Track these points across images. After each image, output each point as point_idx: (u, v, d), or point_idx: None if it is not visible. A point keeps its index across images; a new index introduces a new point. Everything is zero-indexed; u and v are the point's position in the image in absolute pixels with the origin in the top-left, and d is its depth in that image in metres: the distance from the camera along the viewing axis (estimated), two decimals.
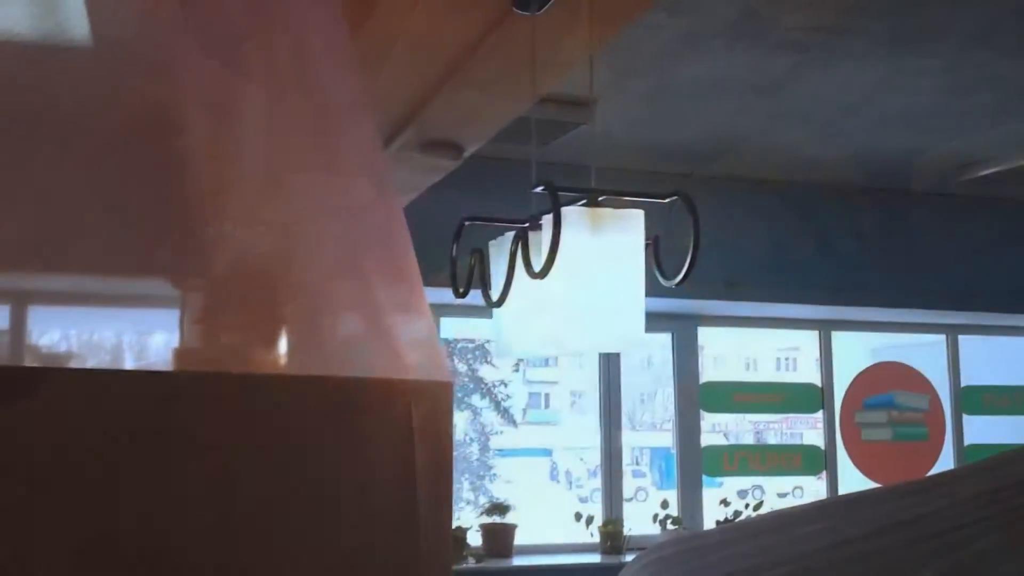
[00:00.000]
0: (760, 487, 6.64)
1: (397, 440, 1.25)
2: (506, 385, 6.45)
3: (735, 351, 6.32)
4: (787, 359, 6.94)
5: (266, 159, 1.21)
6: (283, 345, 1.27)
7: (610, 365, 5.68)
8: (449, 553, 1.54)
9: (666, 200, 1.62)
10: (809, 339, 6.32)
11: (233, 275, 1.05)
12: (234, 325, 1.00)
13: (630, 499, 5.82)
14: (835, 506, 4.39)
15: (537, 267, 1.51)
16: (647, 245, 1.62)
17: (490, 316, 1.77)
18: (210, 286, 0.74)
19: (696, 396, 5.85)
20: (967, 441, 6.41)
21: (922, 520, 3.59)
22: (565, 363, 7.26)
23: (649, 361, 6.57)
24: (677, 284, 1.62)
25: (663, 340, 5.94)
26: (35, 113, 0.68)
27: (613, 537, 5.28)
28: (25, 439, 0.60)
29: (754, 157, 5.05)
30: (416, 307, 1.29)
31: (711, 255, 5.22)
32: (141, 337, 0.76)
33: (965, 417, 6.43)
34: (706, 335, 6.02)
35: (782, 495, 6.93)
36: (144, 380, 0.72)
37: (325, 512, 0.80)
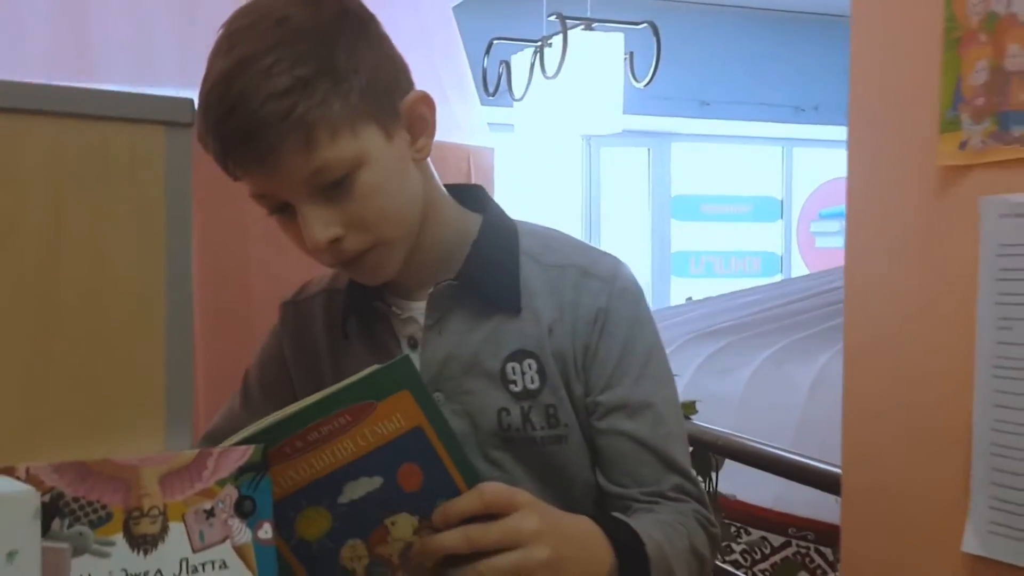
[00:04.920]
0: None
1: (461, 180, 1.98)
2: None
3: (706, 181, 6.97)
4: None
5: None
6: None
7: (591, 187, 6.38)
8: None
9: (640, 25, 2.30)
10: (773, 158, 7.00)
11: None
12: None
13: None
14: (771, 285, 5.28)
15: (550, 72, 2.20)
16: (625, 59, 2.31)
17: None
18: None
19: (668, 206, 6.59)
20: None
21: (840, 289, 4.46)
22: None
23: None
24: (645, 85, 2.32)
25: (639, 157, 6.62)
26: None
27: None
28: None
29: None
30: (468, 89, 2.00)
31: (686, 76, 5.84)
32: None
33: None
34: (679, 162, 6.68)
35: None
36: None
37: None
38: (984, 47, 0.88)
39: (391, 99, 0.88)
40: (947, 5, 0.91)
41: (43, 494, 0.56)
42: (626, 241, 6.55)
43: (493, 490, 0.73)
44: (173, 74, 1.90)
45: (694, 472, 0.95)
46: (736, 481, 2.30)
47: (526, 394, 0.91)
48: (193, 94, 2.03)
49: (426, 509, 0.72)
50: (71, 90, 0.63)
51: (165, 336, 0.62)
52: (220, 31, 0.85)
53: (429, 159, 0.94)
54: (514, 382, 0.91)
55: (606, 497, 0.93)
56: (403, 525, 0.72)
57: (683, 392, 2.57)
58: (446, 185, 0.98)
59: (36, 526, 0.54)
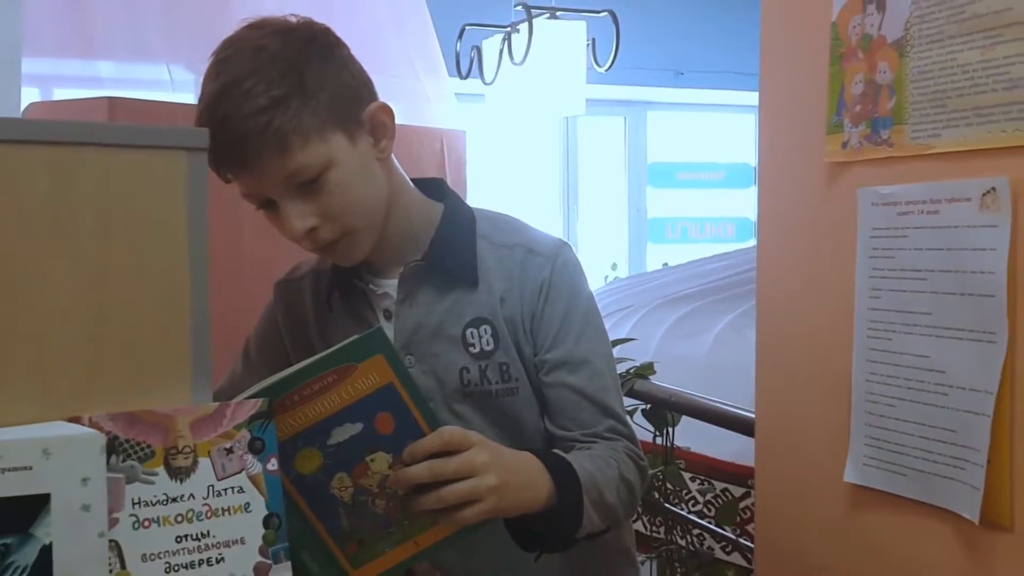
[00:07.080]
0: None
1: (435, 161, 2.14)
2: None
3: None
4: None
5: None
6: None
7: (569, 156, 6.53)
8: None
9: (601, 13, 2.46)
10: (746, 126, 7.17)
11: None
12: None
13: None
14: (738, 251, 5.42)
15: (517, 59, 2.36)
16: (587, 45, 2.48)
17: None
18: None
19: (644, 173, 6.76)
20: None
21: None
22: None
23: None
24: (605, 70, 2.49)
25: (616, 126, 6.77)
26: None
27: None
28: None
29: None
30: (440, 74, 2.17)
31: (661, 47, 5.98)
32: None
33: None
34: (655, 130, 6.83)
35: None
36: None
37: None
38: (861, 63, 1.05)
39: (354, 110, 1.05)
40: (834, 26, 1.08)
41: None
42: (603, 208, 6.72)
43: (451, 431, 0.92)
44: (161, 51, 2.07)
45: (626, 416, 1.14)
46: (702, 438, 2.49)
47: (483, 355, 1.09)
48: (178, 70, 2.21)
49: (398, 448, 0.91)
50: (113, 126, 0.81)
51: (190, 317, 0.79)
52: (210, 59, 1.02)
53: (394, 157, 1.11)
54: (473, 345, 1.09)
55: (553, 439, 1.11)
56: (380, 462, 0.90)
57: (651, 355, 2.74)
58: (411, 179, 1.15)
59: (102, 459, 0.71)
